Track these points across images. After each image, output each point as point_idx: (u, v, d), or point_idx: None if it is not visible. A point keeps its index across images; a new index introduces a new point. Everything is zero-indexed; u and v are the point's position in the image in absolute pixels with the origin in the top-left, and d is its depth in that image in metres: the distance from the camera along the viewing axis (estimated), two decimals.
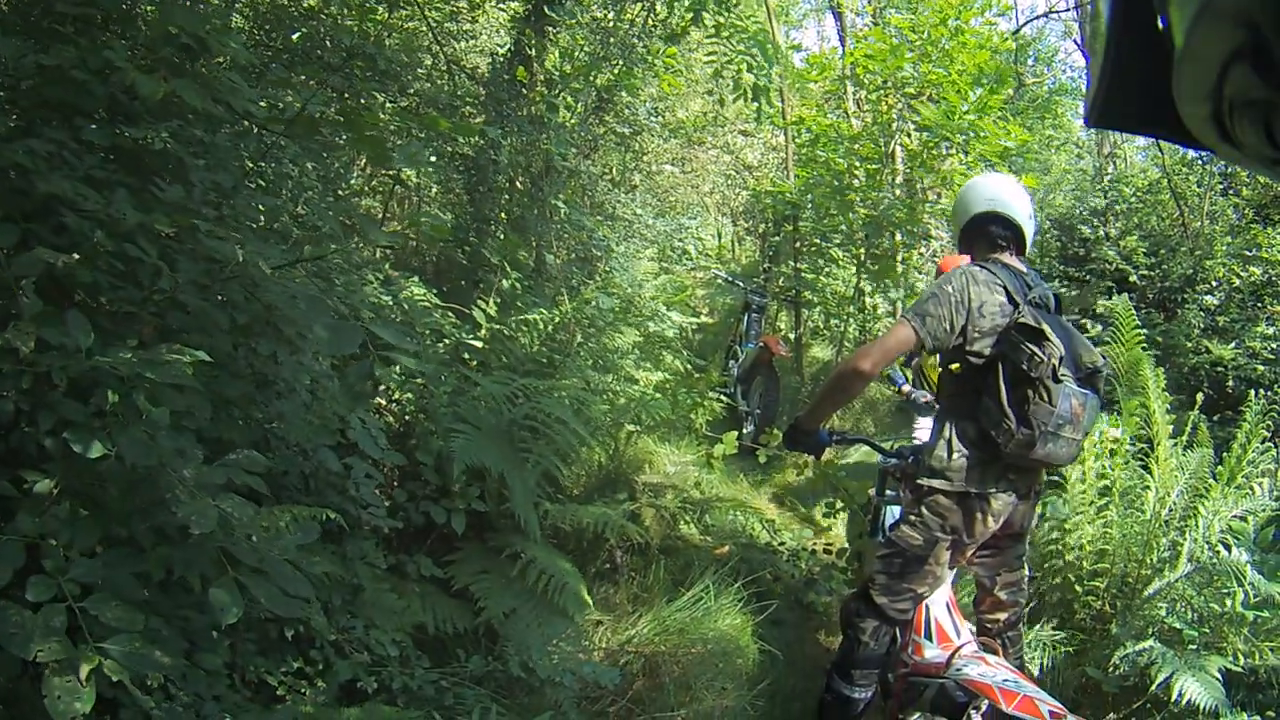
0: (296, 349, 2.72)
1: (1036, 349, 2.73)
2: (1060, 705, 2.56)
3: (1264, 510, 4.09)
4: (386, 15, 6.63)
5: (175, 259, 2.26)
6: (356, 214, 6.56)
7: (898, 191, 7.34)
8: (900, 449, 3.57)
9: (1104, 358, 3.01)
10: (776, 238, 9.33)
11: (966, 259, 3.18)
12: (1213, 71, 0.54)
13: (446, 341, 5.02)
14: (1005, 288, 2.90)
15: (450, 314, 5.23)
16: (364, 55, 4.27)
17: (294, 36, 5.33)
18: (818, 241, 8.34)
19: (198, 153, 2.88)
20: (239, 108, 3.09)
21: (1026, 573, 3.33)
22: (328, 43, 5.01)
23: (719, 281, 9.56)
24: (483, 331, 5.19)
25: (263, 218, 3.38)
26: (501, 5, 7.25)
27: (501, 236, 6.09)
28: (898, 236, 7.36)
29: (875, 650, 3.12)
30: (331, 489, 3.36)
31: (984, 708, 2.85)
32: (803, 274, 8.14)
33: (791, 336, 8.94)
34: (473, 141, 5.78)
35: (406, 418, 4.30)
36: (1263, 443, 4.21)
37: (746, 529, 5.30)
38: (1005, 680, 2.72)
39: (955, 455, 2.95)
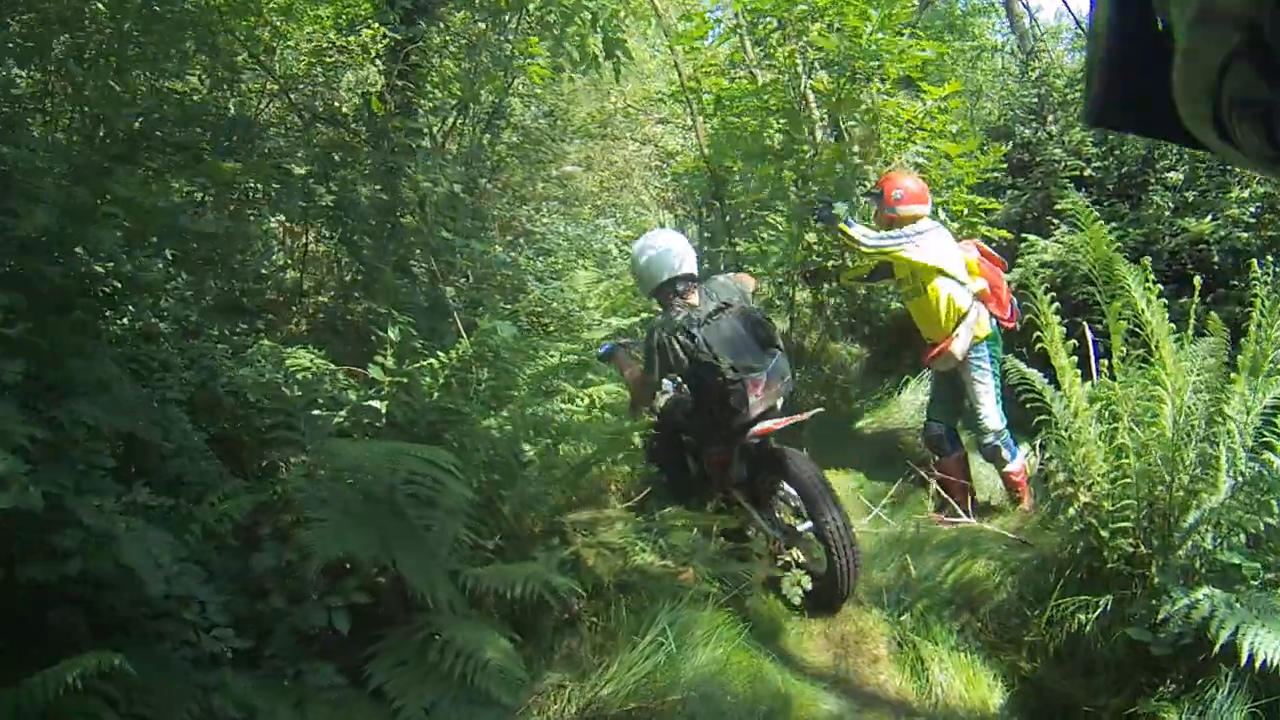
0: None
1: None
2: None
3: None
4: (232, 77, 6.13)
5: None
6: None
7: (819, 138, 6.72)
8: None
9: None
10: (709, 218, 8.75)
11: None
12: (1213, 71, 0.54)
13: (344, 411, 4.49)
14: (683, 328, 4.07)
15: (341, 376, 4.71)
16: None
17: (135, 123, 4.97)
18: (752, 211, 7.75)
19: None
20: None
21: None
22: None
23: None
24: (384, 389, 4.66)
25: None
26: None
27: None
28: (832, 187, 6.74)
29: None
30: (169, 618, 2.81)
31: None
32: (738, 249, 7.52)
33: None
34: (331, 191, 5.25)
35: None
36: None
37: (712, 544, 4.70)
38: None
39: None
